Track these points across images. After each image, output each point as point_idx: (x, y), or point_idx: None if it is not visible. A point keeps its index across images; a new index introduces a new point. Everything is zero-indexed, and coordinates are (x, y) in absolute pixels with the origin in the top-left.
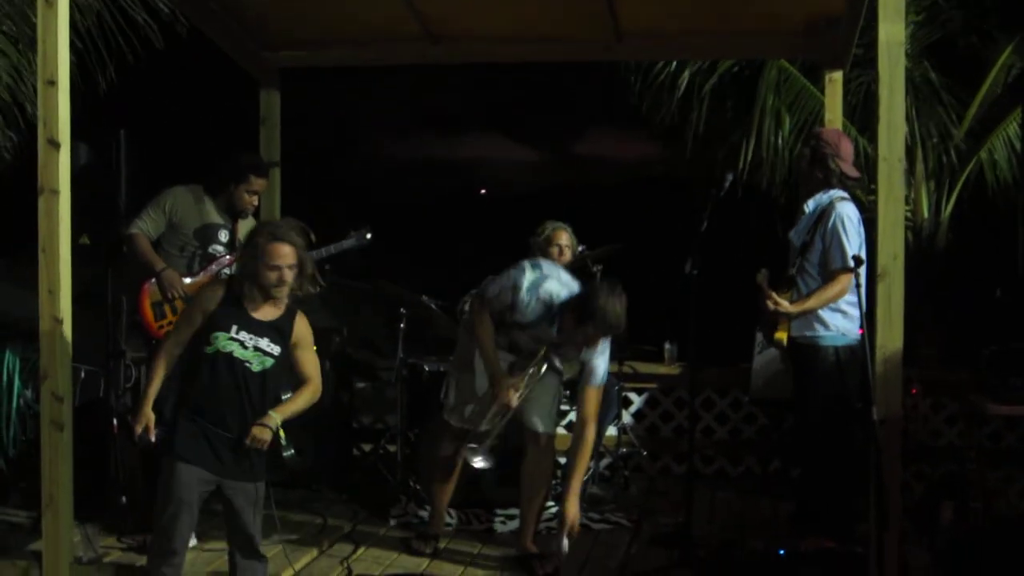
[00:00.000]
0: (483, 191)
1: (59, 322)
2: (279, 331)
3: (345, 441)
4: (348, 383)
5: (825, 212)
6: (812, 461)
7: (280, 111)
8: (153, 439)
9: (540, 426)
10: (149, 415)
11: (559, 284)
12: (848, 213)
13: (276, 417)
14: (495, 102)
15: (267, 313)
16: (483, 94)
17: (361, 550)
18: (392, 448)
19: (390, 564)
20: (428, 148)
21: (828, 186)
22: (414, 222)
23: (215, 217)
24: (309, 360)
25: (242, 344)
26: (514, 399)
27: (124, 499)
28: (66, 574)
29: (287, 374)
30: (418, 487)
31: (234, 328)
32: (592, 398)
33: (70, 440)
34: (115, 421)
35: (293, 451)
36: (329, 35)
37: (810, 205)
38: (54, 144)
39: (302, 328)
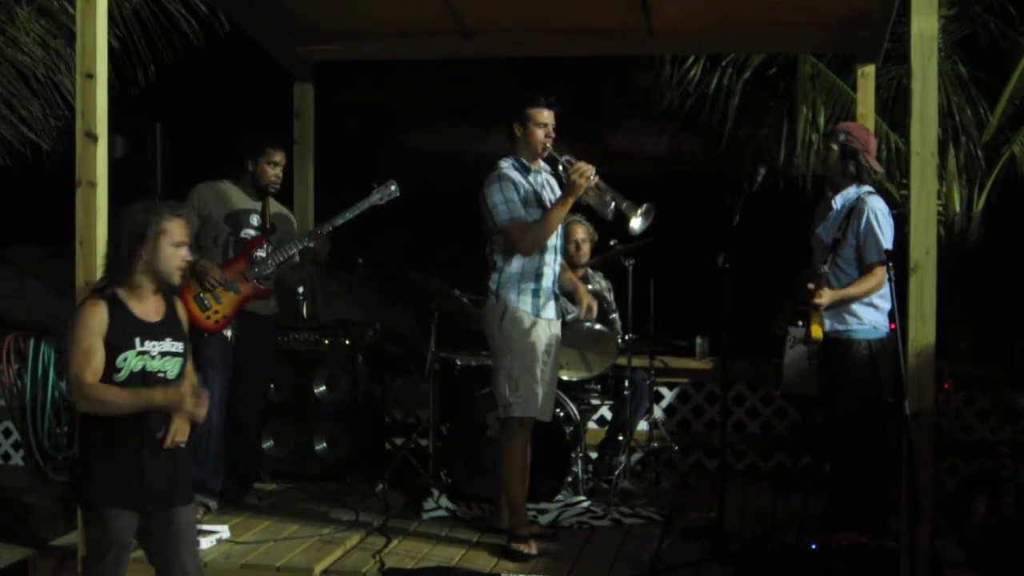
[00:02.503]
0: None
1: None
2: (173, 324)
3: (377, 435)
4: (380, 377)
5: (856, 207)
6: (844, 455)
7: (314, 104)
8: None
9: (549, 418)
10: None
11: (506, 163)
12: (880, 207)
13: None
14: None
15: (155, 311)
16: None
17: (394, 543)
18: (424, 442)
19: (422, 557)
20: (461, 141)
21: (859, 181)
22: (447, 216)
23: (244, 202)
24: None
25: (149, 355)
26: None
27: None
28: None
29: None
30: (450, 480)
31: (137, 341)
32: None
33: None
34: None
35: (325, 444)
36: (363, 29)
37: (838, 201)
38: (92, 136)
39: (184, 312)
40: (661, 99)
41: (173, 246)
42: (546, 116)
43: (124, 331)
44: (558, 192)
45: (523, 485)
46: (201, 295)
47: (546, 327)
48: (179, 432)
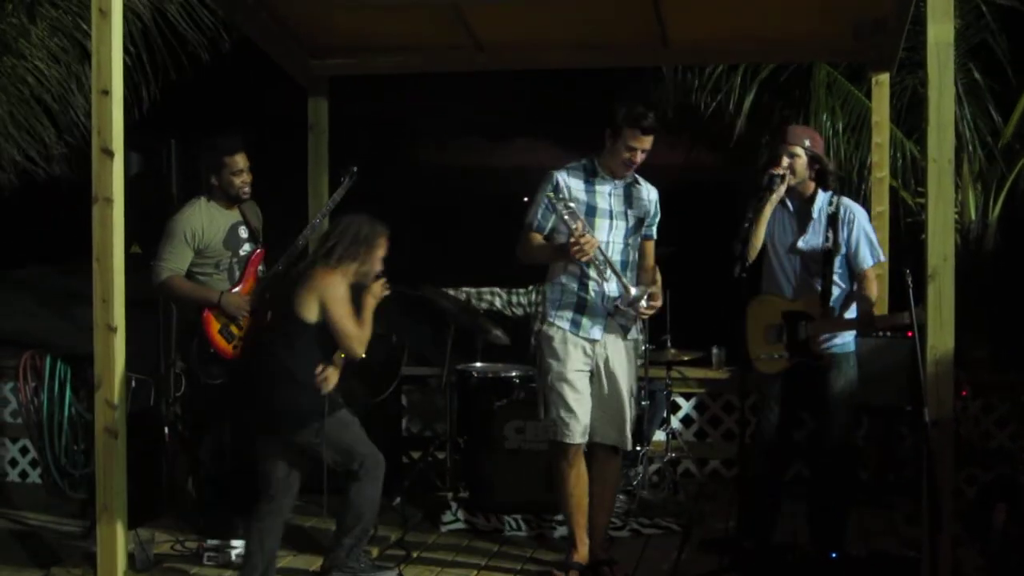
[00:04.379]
0: (526, 199)
1: (113, 330)
2: None
3: (394, 449)
4: (397, 390)
5: (837, 214)
6: (835, 467)
7: (328, 118)
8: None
9: (628, 441)
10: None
11: (573, 165)
12: (861, 210)
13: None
14: (542, 108)
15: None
16: (531, 100)
17: (413, 556)
18: (441, 455)
19: (441, 570)
20: (476, 154)
21: (824, 186)
22: (460, 227)
23: (229, 218)
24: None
25: None
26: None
27: (176, 507)
28: None
29: None
30: (468, 493)
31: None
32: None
33: (124, 447)
34: (166, 430)
35: None
36: (376, 43)
37: (816, 209)
38: (108, 153)
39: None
40: (667, 107)
41: (376, 259)
42: (640, 140)
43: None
44: (621, 207)
45: (577, 513)
46: (227, 327)
47: (589, 347)
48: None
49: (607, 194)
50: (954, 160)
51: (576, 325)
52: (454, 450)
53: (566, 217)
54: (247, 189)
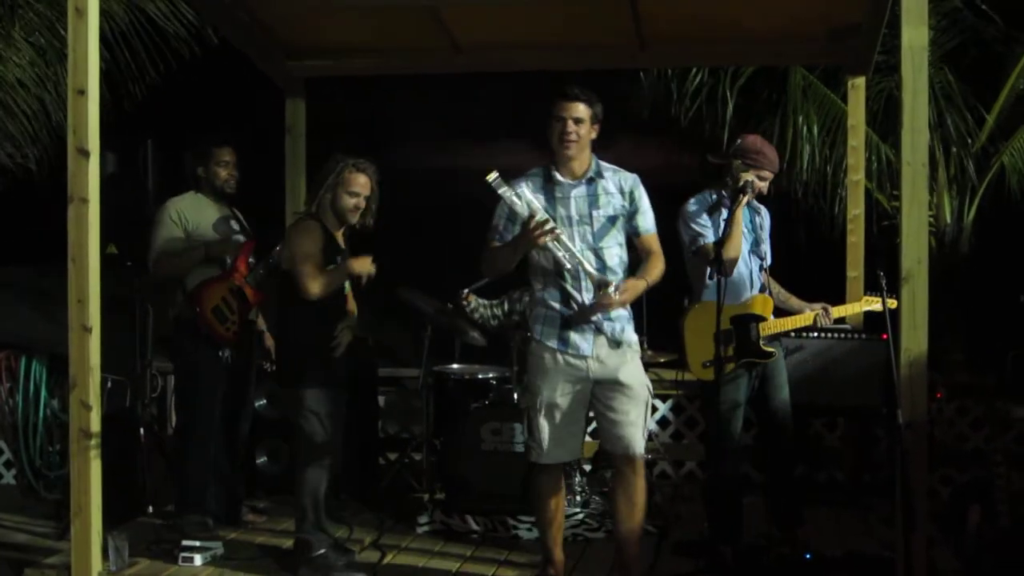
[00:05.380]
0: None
1: (88, 331)
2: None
3: (371, 450)
4: (373, 392)
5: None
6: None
7: (306, 120)
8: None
9: (637, 447)
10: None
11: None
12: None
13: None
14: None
15: (342, 238)
16: (510, 102)
17: (388, 557)
18: (418, 457)
19: (417, 572)
20: (457, 157)
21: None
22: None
23: (218, 210)
24: None
25: None
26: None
27: (151, 508)
28: None
29: None
30: (444, 494)
31: (338, 260)
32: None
33: (99, 448)
34: (142, 431)
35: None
36: (354, 45)
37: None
38: (84, 153)
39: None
40: (641, 111)
41: (347, 194)
42: (565, 108)
43: (328, 250)
44: (585, 210)
45: (549, 529)
46: (219, 307)
47: (580, 363)
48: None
49: (568, 199)
50: (929, 163)
51: (564, 343)
52: (430, 452)
53: (518, 205)
54: (232, 183)
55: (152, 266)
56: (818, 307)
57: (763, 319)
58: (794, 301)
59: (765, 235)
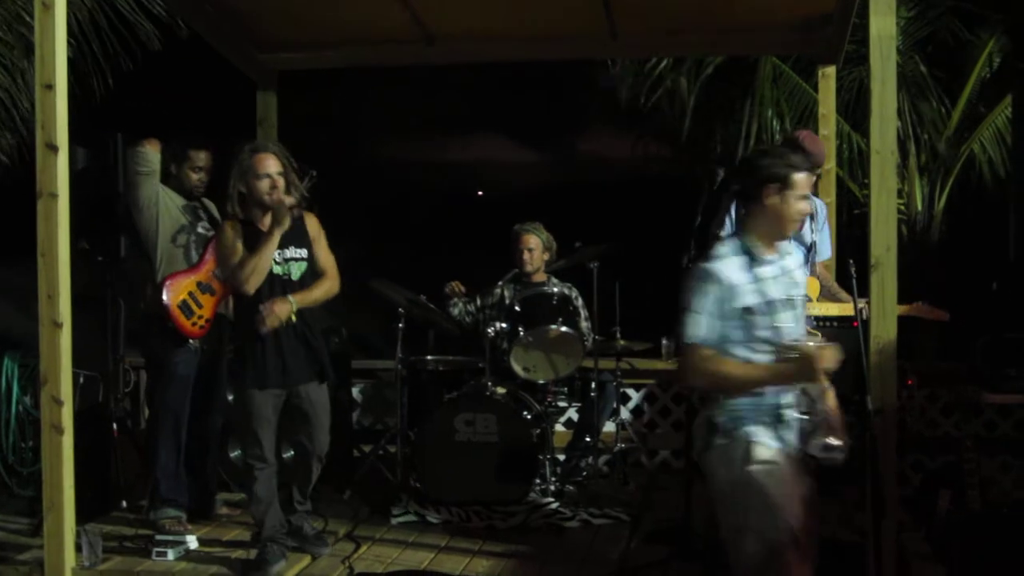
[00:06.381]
0: (480, 193)
1: (59, 326)
2: (297, 235)
3: (345, 442)
4: (347, 384)
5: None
6: None
7: (277, 112)
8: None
9: None
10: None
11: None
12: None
13: (293, 299)
14: (495, 103)
15: (276, 222)
16: (483, 95)
17: (363, 548)
18: (392, 448)
19: (392, 562)
20: (431, 150)
21: None
22: (415, 222)
23: (188, 200)
24: (323, 255)
25: (274, 261)
26: None
27: (124, 503)
28: None
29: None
30: (418, 485)
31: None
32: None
33: (71, 444)
34: (115, 426)
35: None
36: (325, 37)
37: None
38: (52, 148)
39: (314, 226)
40: (626, 104)
41: (256, 178)
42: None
43: (252, 243)
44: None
45: None
46: (186, 301)
47: None
48: (273, 311)
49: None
50: (899, 151)
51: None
52: (405, 443)
53: None
54: (202, 188)
55: (142, 257)
56: (863, 302)
57: (808, 299)
58: (843, 295)
59: (817, 225)
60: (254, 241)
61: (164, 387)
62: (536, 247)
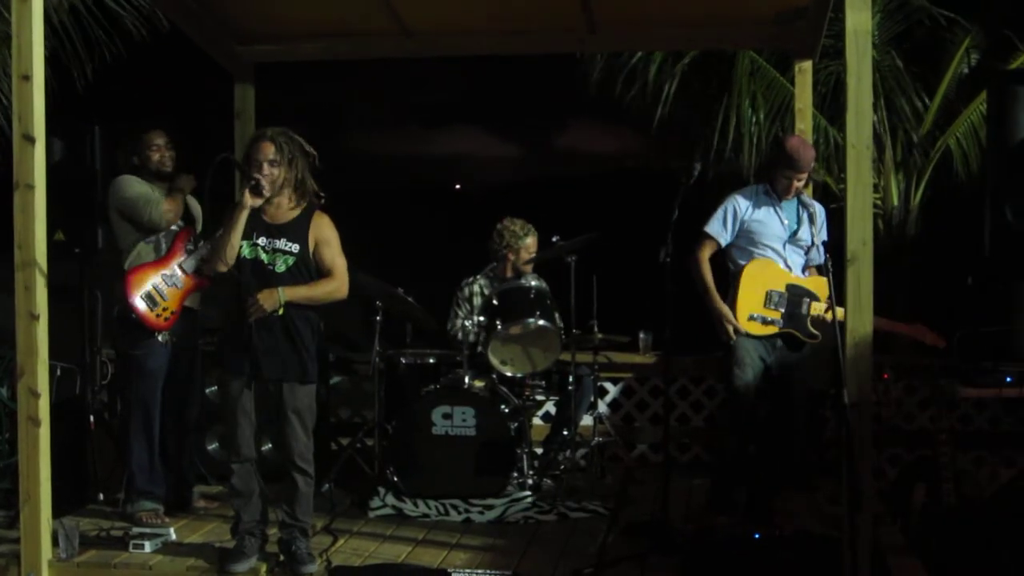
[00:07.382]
0: (457, 187)
1: (35, 318)
2: (295, 231)
3: (323, 435)
4: (324, 377)
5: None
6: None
7: (255, 104)
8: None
9: None
10: None
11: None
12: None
13: (283, 291)
14: (475, 96)
15: (282, 216)
16: (463, 88)
17: (340, 542)
18: (370, 442)
19: (369, 555)
20: (410, 142)
21: None
22: (393, 216)
23: (160, 189)
24: (329, 257)
25: (262, 248)
26: None
27: (101, 496)
28: (44, 571)
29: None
30: (396, 478)
31: (254, 235)
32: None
33: (47, 436)
34: (92, 418)
35: (271, 444)
36: (302, 29)
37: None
38: (29, 139)
39: (322, 227)
40: (603, 99)
41: (252, 163)
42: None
43: (248, 226)
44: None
45: None
46: (150, 293)
47: None
48: (259, 304)
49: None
50: (876, 146)
51: None
52: (382, 436)
53: None
54: (168, 163)
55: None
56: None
57: (817, 298)
58: None
59: (815, 229)
60: (255, 224)
61: (134, 380)
62: (526, 248)
